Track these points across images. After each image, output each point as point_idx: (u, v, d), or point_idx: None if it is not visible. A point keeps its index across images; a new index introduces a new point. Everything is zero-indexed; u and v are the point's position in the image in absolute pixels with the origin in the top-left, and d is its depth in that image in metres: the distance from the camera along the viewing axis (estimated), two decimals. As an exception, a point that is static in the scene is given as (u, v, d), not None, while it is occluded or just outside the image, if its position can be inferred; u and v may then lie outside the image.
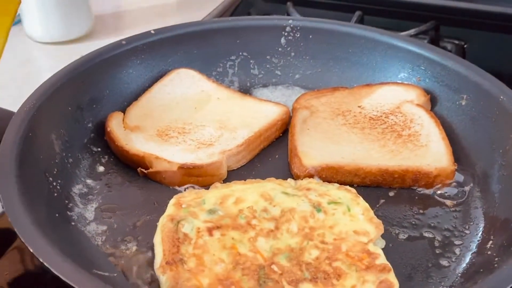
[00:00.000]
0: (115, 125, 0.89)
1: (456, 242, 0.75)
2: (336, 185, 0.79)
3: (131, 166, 0.86)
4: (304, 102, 0.98)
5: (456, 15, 1.27)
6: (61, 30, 1.30)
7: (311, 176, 0.83)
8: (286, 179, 0.80)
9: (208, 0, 1.33)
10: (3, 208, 0.65)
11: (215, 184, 0.79)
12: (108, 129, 0.88)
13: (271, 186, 0.77)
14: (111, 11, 1.45)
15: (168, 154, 0.84)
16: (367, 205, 0.75)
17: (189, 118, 0.93)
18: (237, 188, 0.77)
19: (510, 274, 0.59)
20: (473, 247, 0.74)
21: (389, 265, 0.67)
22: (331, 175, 0.83)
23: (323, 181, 0.83)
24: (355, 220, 0.72)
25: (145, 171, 0.84)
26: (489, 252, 0.70)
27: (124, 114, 0.92)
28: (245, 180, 0.80)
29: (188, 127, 0.91)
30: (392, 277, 0.66)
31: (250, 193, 0.75)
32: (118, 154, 0.88)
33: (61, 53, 1.28)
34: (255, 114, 0.94)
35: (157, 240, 0.70)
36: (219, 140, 0.88)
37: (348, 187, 0.79)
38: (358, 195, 0.76)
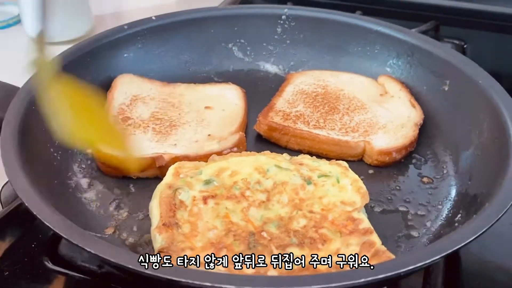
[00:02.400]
0: None
1: (428, 216, 0.78)
2: (327, 161, 0.81)
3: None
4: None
5: (456, 15, 1.28)
6: (61, 31, 1.27)
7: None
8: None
9: (208, 0, 1.34)
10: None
11: (212, 156, 0.81)
12: None
13: (265, 160, 0.79)
14: (111, 11, 1.44)
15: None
16: (356, 176, 0.77)
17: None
18: (233, 160, 0.79)
19: (464, 234, 0.61)
20: (443, 220, 0.77)
21: (372, 227, 0.69)
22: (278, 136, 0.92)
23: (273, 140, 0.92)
24: (344, 190, 0.75)
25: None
26: (456, 224, 0.73)
27: None
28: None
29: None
30: (374, 237, 0.68)
31: (245, 166, 0.78)
32: None
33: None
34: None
35: (154, 204, 0.72)
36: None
37: (339, 161, 0.81)
38: (348, 168, 0.78)
